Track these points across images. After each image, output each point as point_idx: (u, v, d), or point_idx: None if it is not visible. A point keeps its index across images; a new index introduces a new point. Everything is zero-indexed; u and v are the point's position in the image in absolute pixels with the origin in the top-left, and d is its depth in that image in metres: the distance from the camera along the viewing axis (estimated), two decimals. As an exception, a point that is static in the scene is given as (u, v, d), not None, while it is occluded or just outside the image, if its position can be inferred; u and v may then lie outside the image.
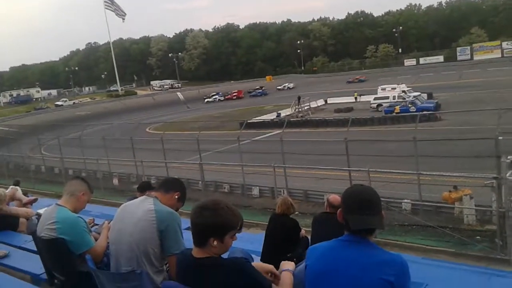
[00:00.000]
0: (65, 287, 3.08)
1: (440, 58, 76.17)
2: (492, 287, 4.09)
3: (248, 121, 28.44)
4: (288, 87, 71.67)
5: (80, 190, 3.21)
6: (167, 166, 16.63)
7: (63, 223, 2.96)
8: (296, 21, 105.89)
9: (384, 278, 1.83)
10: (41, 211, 4.09)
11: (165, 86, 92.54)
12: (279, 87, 73.26)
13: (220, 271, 2.01)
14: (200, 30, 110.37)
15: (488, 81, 43.23)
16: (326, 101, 46.38)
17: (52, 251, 3.06)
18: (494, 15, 79.02)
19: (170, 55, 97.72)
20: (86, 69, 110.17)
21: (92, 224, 4.12)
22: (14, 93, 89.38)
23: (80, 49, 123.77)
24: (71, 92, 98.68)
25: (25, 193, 7.50)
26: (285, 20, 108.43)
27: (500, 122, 10.12)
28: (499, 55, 68.57)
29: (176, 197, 2.91)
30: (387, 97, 36.37)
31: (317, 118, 34.44)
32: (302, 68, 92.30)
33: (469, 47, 73.64)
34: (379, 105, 35.47)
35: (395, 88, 39.28)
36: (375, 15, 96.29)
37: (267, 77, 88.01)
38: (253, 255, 2.95)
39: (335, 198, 4.45)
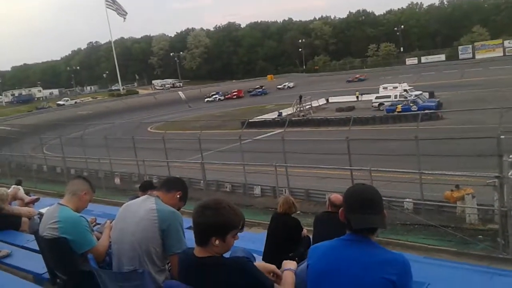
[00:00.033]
0: (67, 286, 3.09)
1: (442, 57, 75.89)
2: (494, 286, 4.08)
3: (250, 120, 28.53)
4: (288, 87, 71.47)
5: (82, 190, 3.21)
6: (168, 166, 16.64)
7: (65, 222, 2.97)
8: (298, 20, 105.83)
9: (386, 277, 1.82)
10: (43, 210, 4.12)
11: (166, 85, 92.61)
12: (279, 86, 73.09)
13: (222, 270, 2.01)
14: (202, 29, 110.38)
15: (490, 79, 43.13)
16: (327, 100, 46.37)
17: (54, 251, 3.06)
18: (496, 14, 78.74)
19: (171, 54, 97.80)
20: (87, 68, 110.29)
21: (94, 223, 4.13)
22: (16, 92, 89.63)
23: (82, 49, 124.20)
24: (72, 91, 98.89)
25: (27, 193, 7.52)
26: (286, 19, 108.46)
27: (502, 121, 10.12)
28: (501, 54, 68.28)
29: (178, 196, 2.91)
30: (389, 96, 36.36)
31: (318, 117, 34.39)
32: (304, 67, 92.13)
33: (471, 46, 73.30)
34: (381, 104, 35.43)
35: (396, 87, 39.28)
36: (377, 13, 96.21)
37: (268, 76, 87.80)
38: (255, 255, 2.95)
39: (337, 197, 4.45)
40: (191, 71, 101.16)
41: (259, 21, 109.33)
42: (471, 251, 8.51)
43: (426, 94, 36.63)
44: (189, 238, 2.45)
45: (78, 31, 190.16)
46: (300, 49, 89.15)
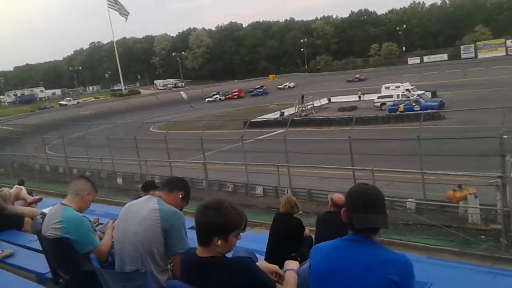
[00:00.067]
0: (70, 286, 3.10)
1: (444, 56, 75.79)
2: (497, 287, 4.07)
3: (252, 120, 28.55)
4: (289, 87, 71.49)
5: (84, 190, 3.22)
6: (171, 166, 16.64)
7: (68, 222, 2.98)
8: (299, 20, 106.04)
9: (388, 277, 1.82)
10: (46, 210, 4.12)
11: (168, 85, 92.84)
12: (280, 86, 73.06)
13: (224, 270, 2.02)
14: (203, 29, 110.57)
15: (492, 79, 43.02)
16: (329, 100, 46.32)
17: (57, 250, 3.08)
18: (499, 13, 78.52)
19: (173, 54, 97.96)
20: (89, 68, 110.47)
21: (97, 223, 4.14)
22: (19, 92, 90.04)
23: (84, 49, 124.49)
24: (75, 91, 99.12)
25: (29, 193, 7.54)
26: (288, 18, 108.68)
27: (504, 121, 10.09)
28: (504, 53, 68.10)
29: (180, 196, 2.91)
30: (391, 96, 36.30)
31: (320, 117, 34.34)
32: (306, 66, 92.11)
33: (473, 45, 73.16)
34: (383, 103, 35.37)
35: (399, 87, 39.18)
36: (379, 13, 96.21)
37: (270, 76, 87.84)
38: (257, 255, 2.94)
39: (339, 197, 4.44)
40: (193, 71, 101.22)
41: (261, 21, 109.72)
42: (473, 251, 8.47)
43: (429, 94, 36.53)
44: (192, 238, 2.45)
45: (79, 32, 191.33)
46: (302, 49, 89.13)
